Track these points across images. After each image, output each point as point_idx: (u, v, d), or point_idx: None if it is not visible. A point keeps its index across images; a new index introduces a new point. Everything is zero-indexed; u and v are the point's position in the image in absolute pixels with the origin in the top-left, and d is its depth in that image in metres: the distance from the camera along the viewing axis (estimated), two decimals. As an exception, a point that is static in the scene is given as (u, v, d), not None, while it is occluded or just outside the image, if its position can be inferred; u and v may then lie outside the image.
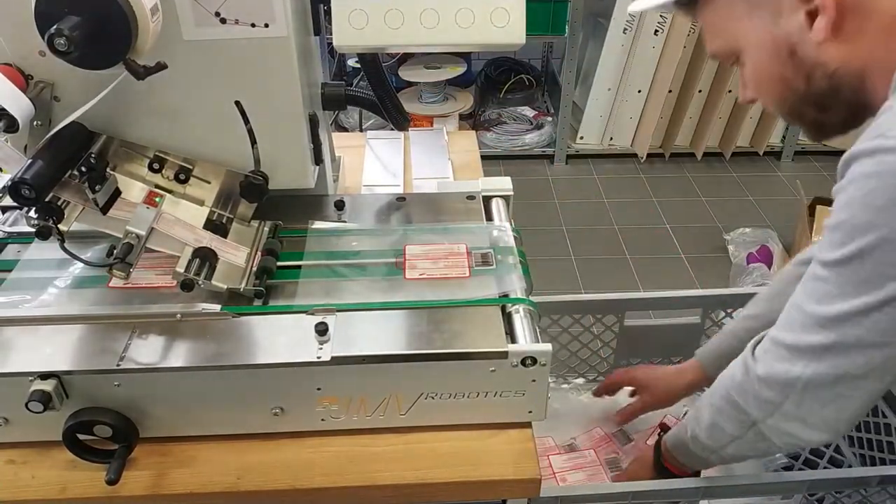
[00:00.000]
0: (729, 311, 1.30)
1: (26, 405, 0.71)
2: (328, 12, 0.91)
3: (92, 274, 0.87)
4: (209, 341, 0.78)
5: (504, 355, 0.76)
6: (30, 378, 0.73)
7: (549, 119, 3.21)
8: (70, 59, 0.65)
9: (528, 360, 0.77)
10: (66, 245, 0.77)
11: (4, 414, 0.76)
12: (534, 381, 0.78)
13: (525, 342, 0.78)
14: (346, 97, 1.02)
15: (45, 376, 0.73)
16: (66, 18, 0.64)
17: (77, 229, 0.82)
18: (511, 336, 0.79)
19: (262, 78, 0.84)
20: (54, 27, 0.63)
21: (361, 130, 1.48)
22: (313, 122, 0.92)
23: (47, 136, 0.76)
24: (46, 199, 0.76)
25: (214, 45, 0.81)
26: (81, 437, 0.75)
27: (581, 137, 3.12)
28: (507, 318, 0.82)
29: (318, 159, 0.95)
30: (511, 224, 0.98)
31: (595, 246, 2.59)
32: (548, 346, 0.77)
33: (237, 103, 0.85)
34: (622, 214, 2.77)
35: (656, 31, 2.83)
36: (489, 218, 1.00)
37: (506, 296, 0.84)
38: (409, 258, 0.90)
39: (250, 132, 0.87)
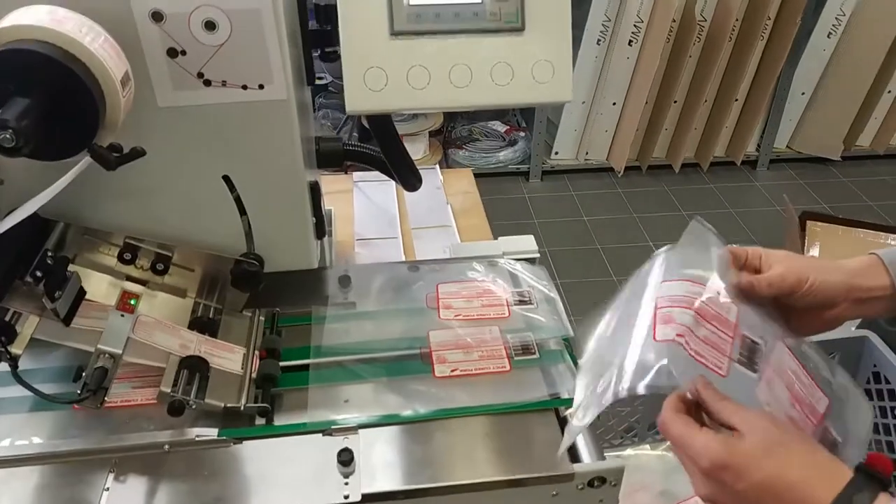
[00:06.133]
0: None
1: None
2: (323, 56, 0.78)
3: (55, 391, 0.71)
4: (207, 479, 0.63)
5: (569, 478, 0.64)
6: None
7: (522, 134, 3.10)
8: (20, 155, 0.50)
9: (596, 481, 0.64)
10: (19, 372, 0.61)
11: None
12: (601, 501, 0.66)
13: (590, 458, 0.66)
14: (344, 153, 0.89)
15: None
16: (12, 102, 0.49)
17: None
18: (571, 451, 0.67)
19: (255, 147, 0.70)
20: (-4, 115, 0.48)
21: (345, 172, 1.34)
22: (315, 193, 0.78)
23: (-10, 235, 0.60)
24: (-8, 317, 0.60)
25: (197, 112, 0.67)
26: None
27: (556, 153, 3.02)
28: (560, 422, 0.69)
29: (320, 233, 0.81)
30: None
31: (579, 268, 2.48)
32: (620, 464, 0.64)
33: (225, 178, 0.71)
34: (604, 233, 2.67)
35: (630, 41, 2.75)
36: (516, 285, 0.87)
37: (557, 396, 0.71)
38: (436, 348, 0.77)
39: (237, 200, 0.72)
